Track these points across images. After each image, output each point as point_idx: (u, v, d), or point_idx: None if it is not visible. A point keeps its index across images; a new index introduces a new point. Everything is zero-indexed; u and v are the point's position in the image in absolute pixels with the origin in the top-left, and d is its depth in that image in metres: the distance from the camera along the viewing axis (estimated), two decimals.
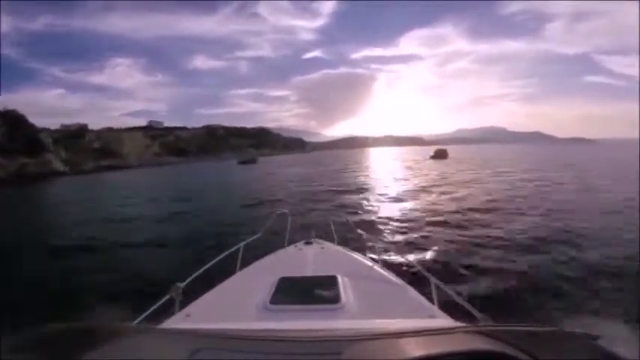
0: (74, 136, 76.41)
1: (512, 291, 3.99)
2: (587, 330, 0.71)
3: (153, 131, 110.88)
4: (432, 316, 1.34)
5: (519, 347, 0.66)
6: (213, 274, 1.90)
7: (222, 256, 2.14)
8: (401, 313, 1.40)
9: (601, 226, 6.84)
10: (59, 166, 54.45)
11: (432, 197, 12.18)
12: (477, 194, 12.27)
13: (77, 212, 13.32)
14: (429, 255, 5.63)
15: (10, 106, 54.90)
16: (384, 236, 5.51)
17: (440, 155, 41.11)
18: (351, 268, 1.92)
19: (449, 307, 1.52)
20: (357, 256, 2.27)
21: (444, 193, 13.08)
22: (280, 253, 2.40)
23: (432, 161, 37.30)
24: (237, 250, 2.31)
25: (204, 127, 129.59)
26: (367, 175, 23.51)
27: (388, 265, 2.10)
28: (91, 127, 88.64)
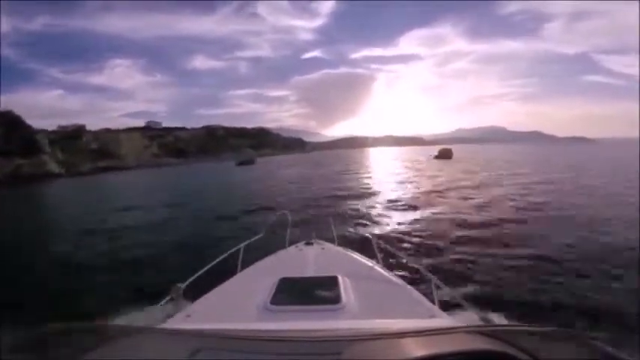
0: (71, 137, 75.98)
1: None
2: (587, 330, 0.71)
3: (151, 132, 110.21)
4: (433, 316, 1.33)
5: (519, 347, 0.66)
6: (214, 275, 1.91)
7: (223, 256, 2.15)
8: (401, 313, 1.40)
9: None
10: (54, 167, 54.21)
11: (450, 203, 10.97)
12: (499, 200, 11.14)
13: (69, 215, 13.35)
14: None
15: (9, 108, 55.04)
16: (405, 260, 4.07)
17: (444, 155, 39.97)
18: (352, 269, 1.92)
19: (449, 307, 1.52)
20: (358, 256, 2.27)
21: (462, 198, 11.85)
22: (281, 254, 2.41)
23: (436, 161, 36.47)
24: (238, 250, 2.32)
25: (203, 128, 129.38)
26: (371, 177, 22.47)
27: (389, 266, 2.10)
28: (89, 128, 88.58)
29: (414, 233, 7.20)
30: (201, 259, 2.00)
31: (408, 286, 1.70)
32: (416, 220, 8.56)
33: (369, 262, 2.10)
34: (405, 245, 6.38)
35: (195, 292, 1.68)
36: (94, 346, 0.72)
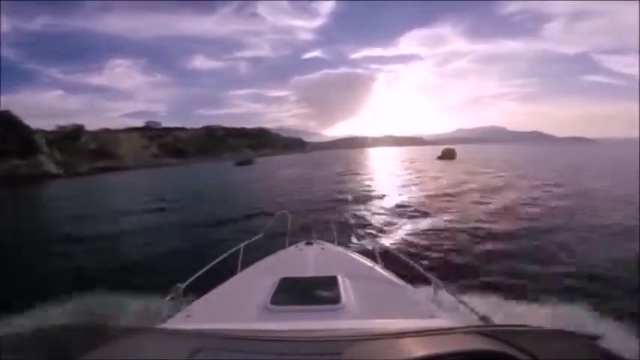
0: (69, 138, 75.36)
1: None
2: (587, 330, 0.71)
3: (151, 132, 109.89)
4: (433, 316, 1.33)
5: (519, 347, 0.66)
6: (214, 275, 1.91)
7: (223, 256, 2.15)
8: (401, 313, 1.40)
9: None
10: (52, 168, 53.69)
11: (465, 208, 9.90)
12: (516, 204, 10.20)
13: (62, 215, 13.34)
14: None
15: (8, 108, 54.54)
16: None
17: (448, 155, 39.26)
18: (352, 269, 1.92)
19: (449, 307, 1.52)
20: (358, 256, 2.27)
21: (476, 202, 10.85)
22: (281, 254, 2.41)
23: (439, 162, 35.79)
24: (238, 250, 2.32)
25: (203, 128, 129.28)
26: (373, 179, 21.45)
27: (389, 266, 2.10)
28: (89, 128, 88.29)
29: (430, 246, 6.27)
30: (201, 260, 2.00)
31: (408, 286, 1.70)
32: (430, 230, 7.46)
33: (369, 262, 2.10)
34: (425, 263, 5.34)
35: (195, 292, 1.68)
36: (94, 346, 0.72)
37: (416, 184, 17.18)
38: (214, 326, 1.08)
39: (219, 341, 0.80)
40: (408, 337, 0.72)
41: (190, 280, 1.76)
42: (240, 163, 50.48)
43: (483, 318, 1.28)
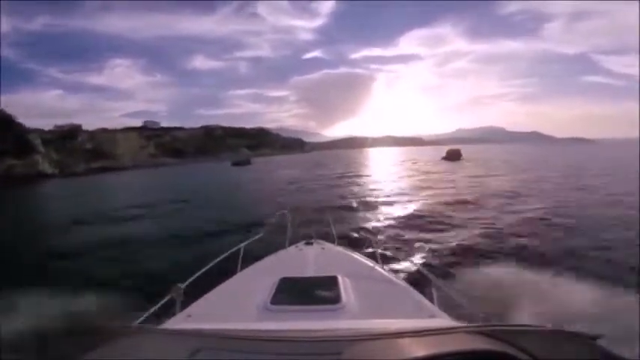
0: (66, 137, 74.80)
1: None
2: (587, 330, 0.71)
3: (148, 132, 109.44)
4: (433, 316, 1.34)
5: (519, 347, 0.66)
6: (214, 275, 1.91)
7: (223, 256, 2.15)
8: (401, 313, 1.41)
9: None
10: (47, 167, 53.17)
11: (492, 219, 8.30)
12: (540, 211, 9.00)
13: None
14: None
15: (5, 107, 54.18)
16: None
17: (453, 156, 38.07)
18: (352, 269, 1.92)
19: (449, 307, 1.52)
20: (358, 256, 2.27)
21: (504, 212, 9.14)
22: (281, 254, 2.41)
23: (445, 163, 34.69)
24: (238, 250, 2.32)
25: (201, 128, 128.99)
26: (376, 182, 19.84)
27: (389, 266, 2.10)
28: (88, 128, 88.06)
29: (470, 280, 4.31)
30: (201, 260, 2.00)
31: (408, 286, 1.70)
32: (460, 247, 6.00)
33: (369, 262, 2.10)
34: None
35: (195, 292, 1.68)
36: (94, 346, 0.72)
37: (424, 188, 15.45)
38: (214, 326, 1.08)
39: (219, 341, 0.80)
40: (408, 337, 0.72)
41: (190, 280, 1.76)
42: (237, 164, 50.01)
43: (483, 318, 1.29)
